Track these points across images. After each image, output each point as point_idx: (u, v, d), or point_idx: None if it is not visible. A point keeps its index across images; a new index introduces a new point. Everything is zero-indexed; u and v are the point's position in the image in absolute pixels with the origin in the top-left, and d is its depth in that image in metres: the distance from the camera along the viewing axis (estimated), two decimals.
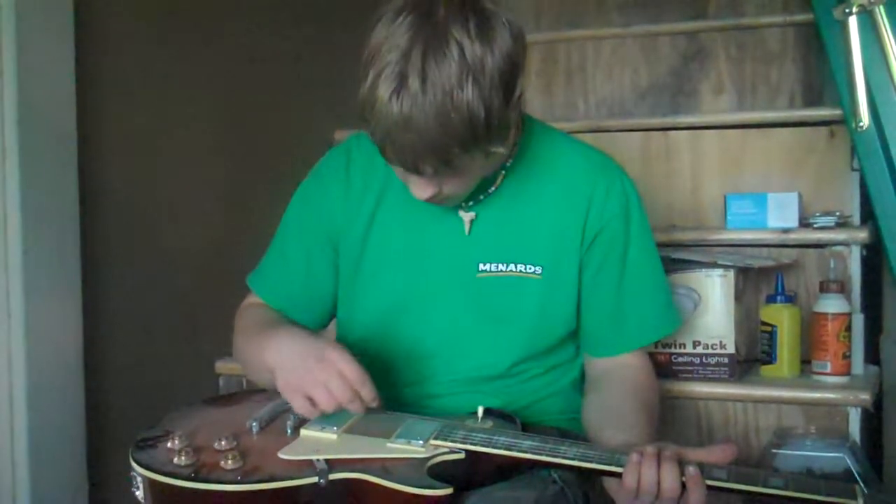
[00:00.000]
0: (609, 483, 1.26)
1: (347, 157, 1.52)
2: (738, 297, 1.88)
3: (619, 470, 1.19)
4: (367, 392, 1.27)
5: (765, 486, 1.15)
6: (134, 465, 1.25)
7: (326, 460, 1.21)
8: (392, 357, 1.51)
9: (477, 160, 1.29)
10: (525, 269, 1.44)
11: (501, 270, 1.44)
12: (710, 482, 1.16)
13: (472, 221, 1.45)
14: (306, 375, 1.27)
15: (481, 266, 1.44)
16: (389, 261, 1.48)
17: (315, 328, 1.60)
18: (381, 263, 1.48)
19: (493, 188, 1.45)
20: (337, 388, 1.26)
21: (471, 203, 1.45)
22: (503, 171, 1.45)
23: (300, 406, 1.28)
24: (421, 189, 1.33)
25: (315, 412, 1.28)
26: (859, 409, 1.79)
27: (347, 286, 1.53)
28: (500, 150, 1.30)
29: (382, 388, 1.49)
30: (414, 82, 1.19)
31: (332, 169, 1.54)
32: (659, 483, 1.16)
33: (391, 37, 1.22)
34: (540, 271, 1.44)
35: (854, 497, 1.13)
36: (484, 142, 1.25)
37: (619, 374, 1.49)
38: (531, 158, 1.46)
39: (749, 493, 1.16)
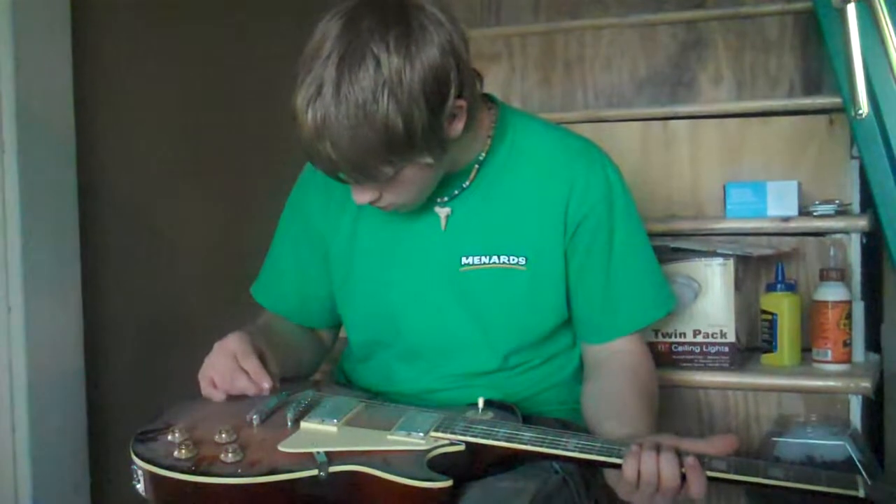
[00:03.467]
0: (609, 474, 1.26)
1: None
2: (738, 285, 1.88)
3: (619, 462, 1.19)
4: (251, 366, 1.34)
5: (765, 476, 1.15)
6: (134, 458, 1.25)
7: (326, 453, 1.21)
8: (388, 357, 1.52)
9: (408, 170, 1.29)
10: (509, 260, 1.43)
11: (484, 263, 1.44)
12: (710, 473, 1.16)
13: (447, 217, 1.45)
14: (208, 360, 1.36)
15: (464, 260, 1.44)
16: (376, 263, 1.49)
17: (321, 328, 1.65)
18: (369, 266, 1.49)
19: (467, 182, 1.45)
20: (225, 366, 1.34)
21: (446, 199, 1.45)
22: (476, 165, 1.44)
23: (204, 389, 1.36)
24: (357, 195, 1.34)
25: (217, 394, 1.35)
26: (860, 397, 1.79)
27: (342, 290, 1.53)
28: (430, 160, 1.30)
29: (383, 387, 1.51)
30: (328, 92, 1.21)
31: (311, 179, 1.55)
32: (659, 474, 1.16)
33: (319, 43, 1.24)
34: (524, 262, 1.43)
35: (855, 487, 1.13)
36: (405, 154, 1.26)
37: (615, 361, 1.48)
38: (508, 148, 1.46)
39: (750, 483, 1.16)
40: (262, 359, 1.37)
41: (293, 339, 1.60)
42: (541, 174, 1.45)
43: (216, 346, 1.37)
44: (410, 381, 1.50)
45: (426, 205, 1.44)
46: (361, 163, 1.25)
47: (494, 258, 1.44)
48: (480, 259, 1.44)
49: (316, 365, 1.67)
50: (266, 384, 1.34)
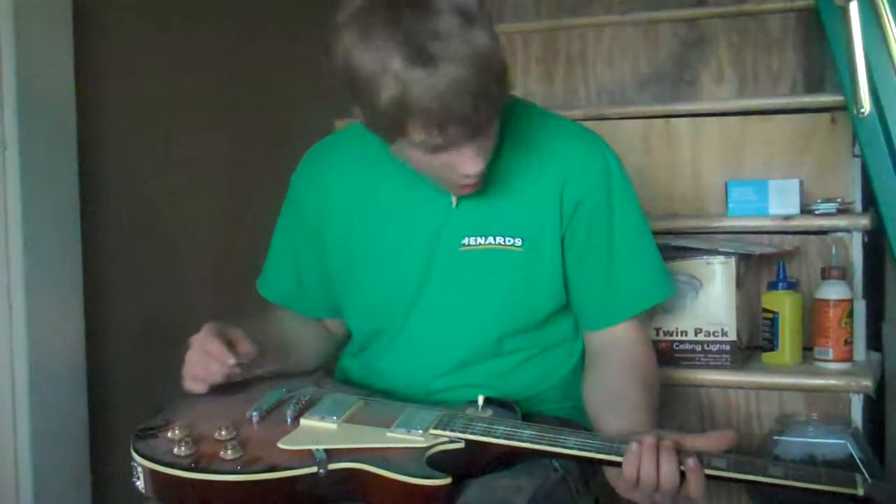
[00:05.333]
0: (609, 472, 1.26)
1: (322, 155, 1.56)
2: (740, 283, 1.88)
3: (618, 459, 1.19)
4: (213, 347, 1.36)
5: (765, 475, 1.15)
6: (134, 455, 1.26)
7: (326, 450, 1.21)
8: (385, 341, 1.52)
9: (493, 122, 1.29)
10: (505, 241, 1.43)
11: (481, 243, 1.44)
12: (709, 471, 1.16)
13: (458, 194, 1.44)
14: (186, 357, 1.39)
15: (464, 240, 1.44)
16: (379, 249, 1.48)
17: (326, 318, 1.66)
18: (371, 250, 1.49)
19: None
20: (196, 356, 1.37)
21: None
22: None
23: (187, 384, 1.39)
24: (472, 161, 1.29)
25: (197, 386, 1.38)
26: (861, 396, 1.79)
27: (342, 278, 1.53)
28: (498, 120, 1.31)
29: (377, 375, 1.53)
30: (431, 46, 1.17)
31: (306, 172, 1.57)
32: (658, 474, 1.16)
33: (371, 21, 1.20)
34: (520, 243, 1.43)
35: (855, 486, 1.13)
36: (501, 91, 1.26)
37: (617, 350, 1.48)
38: (511, 132, 1.46)
39: (749, 482, 1.16)
40: (233, 339, 1.38)
41: (293, 331, 1.61)
42: (538, 156, 1.45)
43: (190, 341, 1.40)
44: (406, 375, 1.49)
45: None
46: (487, 112, 1.25)
47: (491, 238, 1.44)
48: (478, 240, 1.44)
49: (325, 356, 1.67)
50: (230, 360, 1.35)
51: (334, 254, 1.53)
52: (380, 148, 1.40)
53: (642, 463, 1.17)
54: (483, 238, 1.44)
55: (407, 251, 1.47)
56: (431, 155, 1.28)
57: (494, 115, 1.28)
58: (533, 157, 1.45)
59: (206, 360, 1.37)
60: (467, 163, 1.30)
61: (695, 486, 1.16)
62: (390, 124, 1.24)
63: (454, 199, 1.44)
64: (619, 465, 1.20)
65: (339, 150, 1.55)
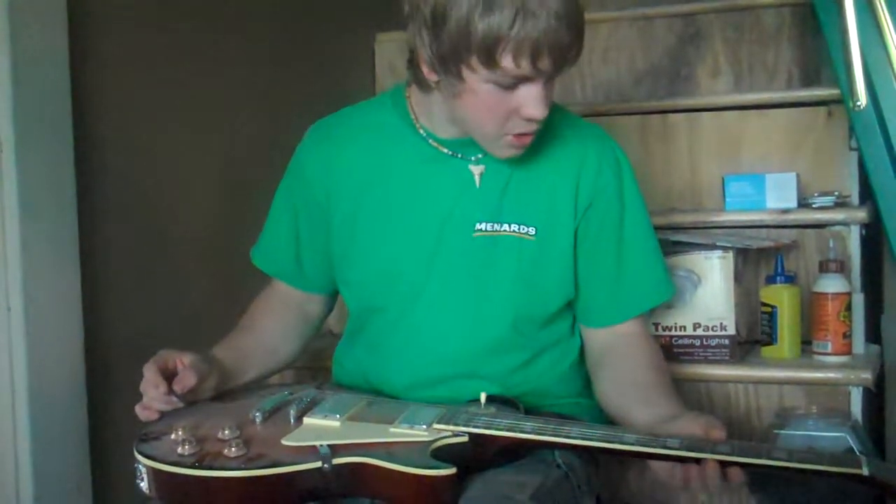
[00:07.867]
0: (655, 467, 1.26)
1: (332, 128, 1.55)
2: (738, 278, 1.88)
3: (620, 447, 1.20)
4: (145, 378, 1.37)
5: (769, 458, 1.16)
6: (138, 456, 1.25)
7: (330, 445, 1.21)
8: (389, 327, 1.51)
9: (571, 64, 1.30)
10: (519, 229, 1.44)
11: (496, 230, 1.44)
12: (710, 456, 1.18)
13: (481, 175, 1.44)
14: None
15: (478, 226, 1.44)
16: (388, 224, 1.47)
17: (317, 293, 1.65)
18: (380, 226, 1.48)
19: None
20: (142, 383, 1.38)
21: (480, 155, 1.44)
22: None
23: (136, 411, 1.39)
24: (542, 103, 1.30)
25: (142, 413, 1.38)
26: (861, 389, 1.79)
27: (344, 250, 1.52)
28: None
29: (374, 361, 1.53)
30: None
31: (312, 147, 1.56)
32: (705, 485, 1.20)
33: None
34: (533, 232, 1.44)
35: (859, 466, 1.13)
36: (583, 36, 1.29)
37: (625, 344, 1.49)
38: None
39: (754, 465, 1.17)
40: (178, 367, 1.39)
41: (271, 332, 1.61)
42: (553, 149, 1.46)
43: None
44: (412, 350, 1.48)
45: (460, 162, 1.44)
46: (577, 48, 1.27)
47: (506, 226, 1.44)
48: (493, 226, 1.44)
49: (299, 348, 1.67)
50: (151, 390, 1.36)
51: (339, 226, 1.51)
52: (397, 122, 1.44)
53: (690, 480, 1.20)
54: (498, 224, 1.44)
55: (417, 229, 1.45)
56: (505, 92, 1.28)
57: (579, 53, 1.28)
58: (548, 149, 1.46)
59: (145, 388, 1.38)
60: (538, 102, 1.30)
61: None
62: (480, 52, 1.23)
63: (477, 179, 1.44)
64: (620, 453, 1.22)
65: (351, 124, 1.54)
